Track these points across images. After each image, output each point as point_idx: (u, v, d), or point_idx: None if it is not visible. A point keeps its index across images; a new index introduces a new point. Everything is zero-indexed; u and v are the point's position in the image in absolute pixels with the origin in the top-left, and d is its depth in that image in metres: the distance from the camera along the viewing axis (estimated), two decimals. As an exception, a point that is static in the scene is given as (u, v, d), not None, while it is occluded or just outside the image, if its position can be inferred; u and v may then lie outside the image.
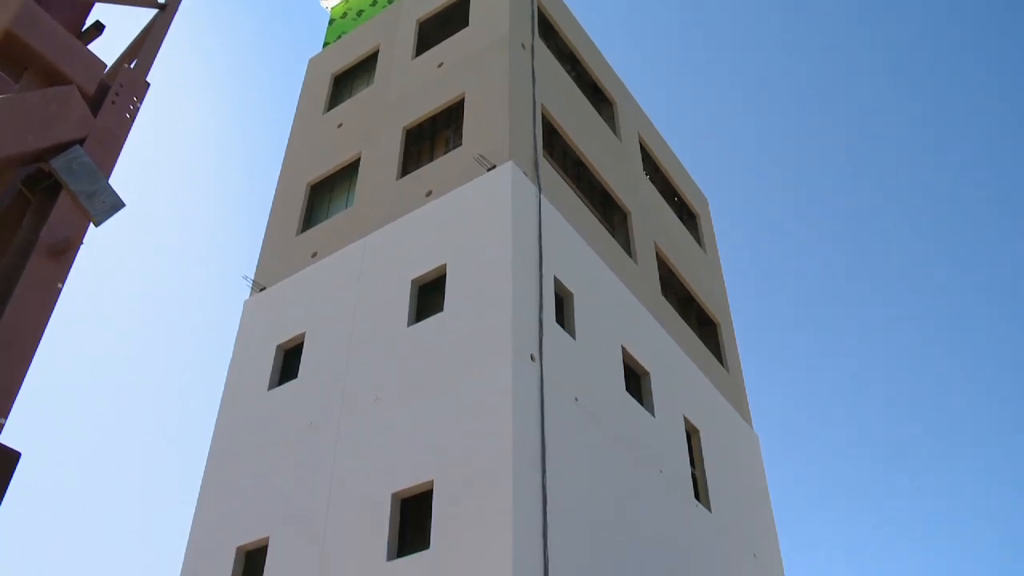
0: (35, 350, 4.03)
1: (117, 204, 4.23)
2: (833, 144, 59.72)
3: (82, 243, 4.31)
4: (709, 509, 16.52)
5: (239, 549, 13.77)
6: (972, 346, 54.66)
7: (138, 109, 4.70)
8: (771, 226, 59.84)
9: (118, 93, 4.57)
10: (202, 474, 15.39)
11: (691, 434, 17.49)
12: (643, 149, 22.56)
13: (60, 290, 4.26)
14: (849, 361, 55.08)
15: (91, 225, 4.32)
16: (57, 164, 4.03)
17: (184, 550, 14.55)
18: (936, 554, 50.35)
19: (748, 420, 20.74)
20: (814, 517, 50.57)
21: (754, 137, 61.77)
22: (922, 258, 56.86)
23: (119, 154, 4.49)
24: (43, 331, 4.09)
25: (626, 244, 18.72)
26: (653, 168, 23.16)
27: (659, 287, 19.08)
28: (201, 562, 14.10)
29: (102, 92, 4.50)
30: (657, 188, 22.46)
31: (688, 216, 24.30)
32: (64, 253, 4.18)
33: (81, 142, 4.20)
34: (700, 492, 16.81)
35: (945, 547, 50.48)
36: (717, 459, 17.87)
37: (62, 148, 4.10)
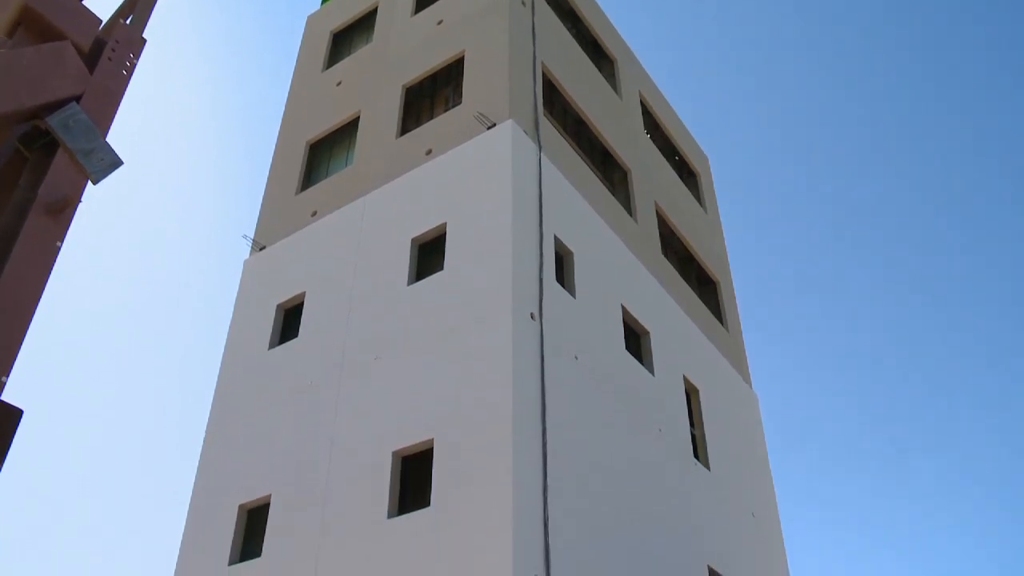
0: (35, 309, 4.02)
1: (115, 162, 4.20)
2: (835, 103, 59.41)
3: (80, 201, 4.29)
4: (708, 468, 16.62)
5: (241, 507, 13.88)
6: (975, 300, 54.73)
7: (134, 66, 4.65)
8: (772, 185, 59.67)
9: (114, 49, 4.52)
10: (204, 433, 15.48)
11: (690, 393, 17.55)
12: (644, 107, 22.43)
13: (59, 249, 4.24)
14: (849, 322, 55.17)
15: (89, 183, 4.29)
16: (53, 121, 3.99)
17: (187, 508, 14.68)
18: (935, 515, 50.75)
19: (747, 380, 20.81)
20: (812, 478, 50.91)
21: (755, 96, 61.43)
22: (924, 218, 56.76)
23: (116, 111, 4.45)
24: (42, 290, 4.08)
25: (626, 203, 18.67)
26: (653, 126, 23.04)
27: (659, 246, 19.05)
28: (204, 520, 14.21)
29: (98, 48, 4.45)
30: (657, 146, 22.36)
31: (688, 175, 24.21)
32: (62, 211, 4.16)
33: (77, 99, 4.16)
34: (699, 451, 16.90)
35: (945, 507, 50.87)
36: (716, 418, 17.95)
37: (58, 105, 4.06)
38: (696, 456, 16.55)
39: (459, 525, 11.11)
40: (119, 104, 4.48)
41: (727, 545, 16.04)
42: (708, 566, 14.98)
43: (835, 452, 52.43)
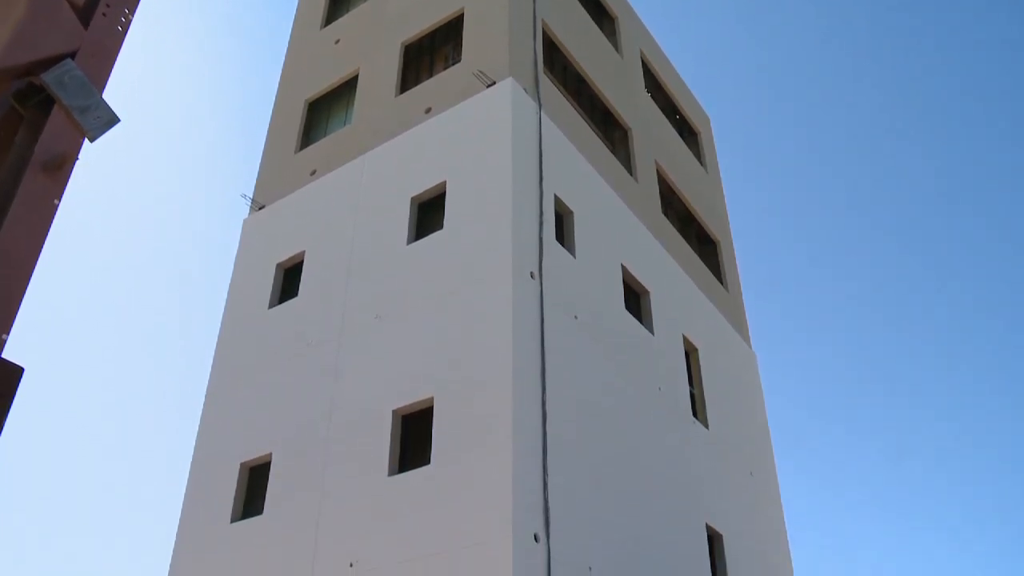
0: (34, 267, 4.02)
1: (112, 119, 4.17)
2: (838, 62, 58.99)
3: (77, 159, 4.27)
4: (707, 427, 16.70)
5: (243, 465, 13.97)
6: (979, 260, 54.74)
7: (130, 22, 4.60)
8: (773, 145, 59.44)
9: (109, 5, 4.47)
10: (204, 392, 15.54)
11: (690, 352, 17.60)
12: (645, 66, 22.27)
13: (57, 207, 4.23)
14: (849, 284, 55.20)
15: (86, 141, 4.27)
16: (48, 78, 3.96)
17: (188, 467, 14.77)
18: (934, 472, 51.09)
19: (747, 339, 20.85)
20: (811, 439, 51.19)
21: (757, 55, 60.99)
22: (926, 180, 56.59)
23: (112, 68, 4.42)
24: (41, 248, 4.08)
25: (627, 162, 18.60)
26: (654, 85, 22.89)
27: (659, 205, 19.01)
28: (206, 478, 14.31)
29: (92, 4, 4.40)
30: (658, 105, 22.23)
31: (689, 134, 24.10)
32: (59, 169, 4.14)
33: (72, 56, 4.13)
34: (698, 410, 16.97)
35: (945, 470, 51.20)
36: (715, 378, 18.02)
37: (52, 62, 4.03)
38: (695, 415, 16.62)
39: (459, 483, 11.19)
40: (115, 60, 4.44)
41: (725, 503, 16.17)
42: (706, 524, 15.10)
43: (833, 411, 52.68)
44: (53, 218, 4.20)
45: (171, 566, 13.80)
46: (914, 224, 56.32)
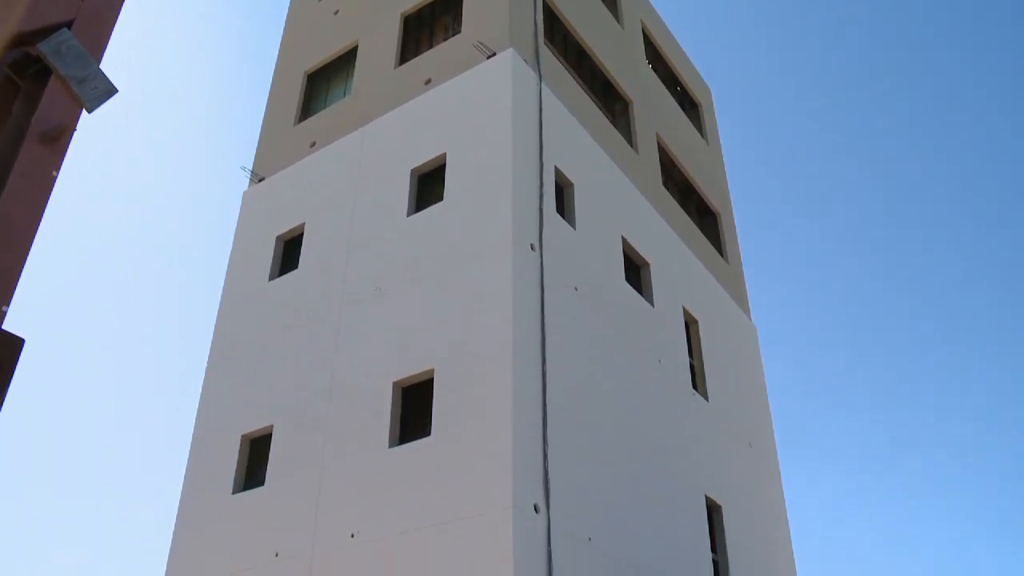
0: (33, 239, 4.02)
1: (110, 90, 4.15)
2: (840, 35, 58.65)
3: (75, 130, 4.25)
4: (706, 399, 16.75)
5: (244, 437, 14.03)
6: (982, 231, 54.68)
7: (127, -9, 4.57)
8: (774, 117, 59.21)
9: (106, -26, 4.44)
10: (206, 364, 15.57)
11: (690, 324, 17.61)
12: (646, 37, 22.15)
13: (55, 178, 4.22)
14: (850, 256, 55.16)
15: (84, 112, 4.25)
16: (45, 48, 3.93)
17: (190, 439, 14.83)
18: (934, 447, 51.28)
19: (747, 311, 20.87)
20: (810, 411, 51.33)
21: (758, 27, 60.62)
22: (928, 152, 56.42)
23: (109, 38, 4.39)
24: (40, 219, 4.07)
25: (627, 133, 18.54)
26: (656, 56, 22.77)
27: (660, 177, 18.97)
28: (207, 450, 14.37)
29: (89, -27, 4.37)
30: (659, 77, 22.13)
31: (690, 106, 24.00)
32: (57, 140, 4.12)
33: (69, 25, 4.10)
34: (698, 382, 17.01)
35: (945, 442, 51.36)
36: (715, 349, 18.04)
37: (49, 32, 4.00)
38: (695, 387, 16.67)
39: (459, 454, 11.24)
40: (112, 30, 4.41)
41: (724, 475, 16.24)
42: (705, 495, 15.18)
43: (833, 382, 52.79)
44: (52, 190, 4.19)
45: (173, 537, 13.88)
46: (917, 196, 56.21)
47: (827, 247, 55.98)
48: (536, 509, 10.76)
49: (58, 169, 4.19)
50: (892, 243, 55.37)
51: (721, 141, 24.63)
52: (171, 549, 13.78)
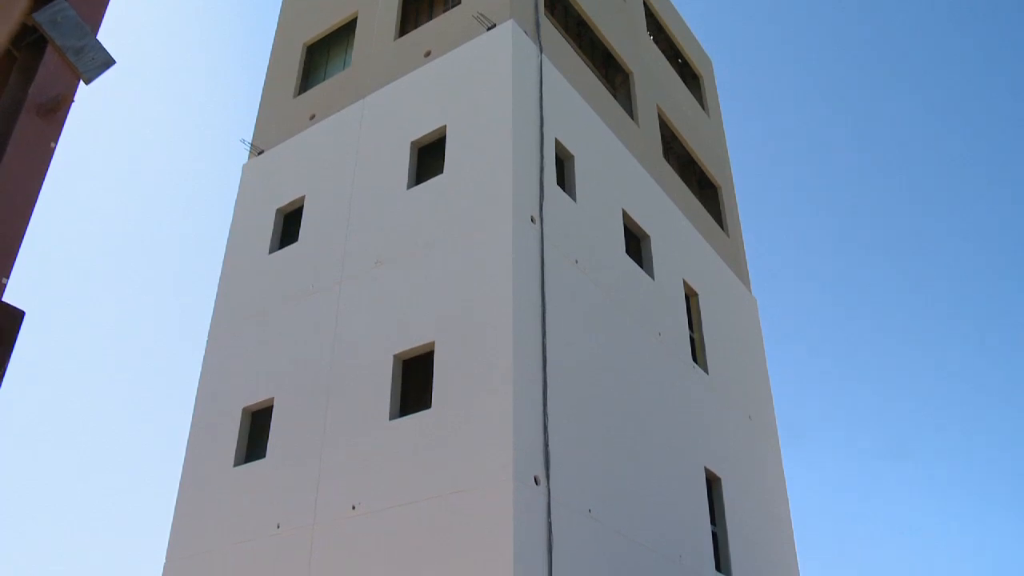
0: (32, 211, 4.01)
1: (107, 61, 4.12)
2: (843, 7, 58.27)
3: (73, 101, 4.23)
4: (706, 371, 16.78)
5: (245, 410, 14.07)
6: (983, 206, 54.59)
7: (124, -39, 4.54)
8: (775, 89, 58.95)
9: (102, -57, 4.40)
10: (206, 337, 15.59)
11: (690, 297, 17.62)
12: (647, 8, 22.01)
13: (53, 150, 4.20)
14: (851, 229, 55.09)
15: (81, 83, 4.23)
16: (41, 18, 3.90)
17: (191, 412, 14.88)
18: (933, 417, 51.42)
19: (747, 284, 20.86)
20: (809, 381, 51.45)
21: (761, -4, 60.21)
22: (932, 125, 56.22)
23: (105, 8, 4.36)
24: (38, 192, 4.06)
25: (628, 106, 18.47)
26: (657, 28, 22.64)
27: (661, 150, 18.91)
28: (209, 423, 14.41)
29: (85, -58, 4.33)
30: (660, 49, 22.01)
31: (691, 78, 23.88)
32: (55, 112, 4.11)
33: (65, -5, 4.07)
34: (698, 354, 17.04)
35: (944, 413, 51.51)
36: (715, 322, 18.06)
37: (45, 1, 3.98)
38: (695, 360, 16.69)
39: (460, 427, 11.27)
40: (108, 1, 4.38)
41: (724, 447, 16.30)
42: (705, 467, 15.24)
43: (832, 355, 52.89)
44: (50, 161, 4.18)
45: (175, 510, 13.95)
46: (919, 168, 56.06)
47: (828, 220, 55.91)
48: (536, 481, 10.81)
49: (56, 141, 4.17)
50: (893, 215, 55.30)
51: (722, 113, 24.54)
52: (173, 522, 13.86)
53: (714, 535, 15.05)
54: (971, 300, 53.15)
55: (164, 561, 13.56)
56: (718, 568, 14.73)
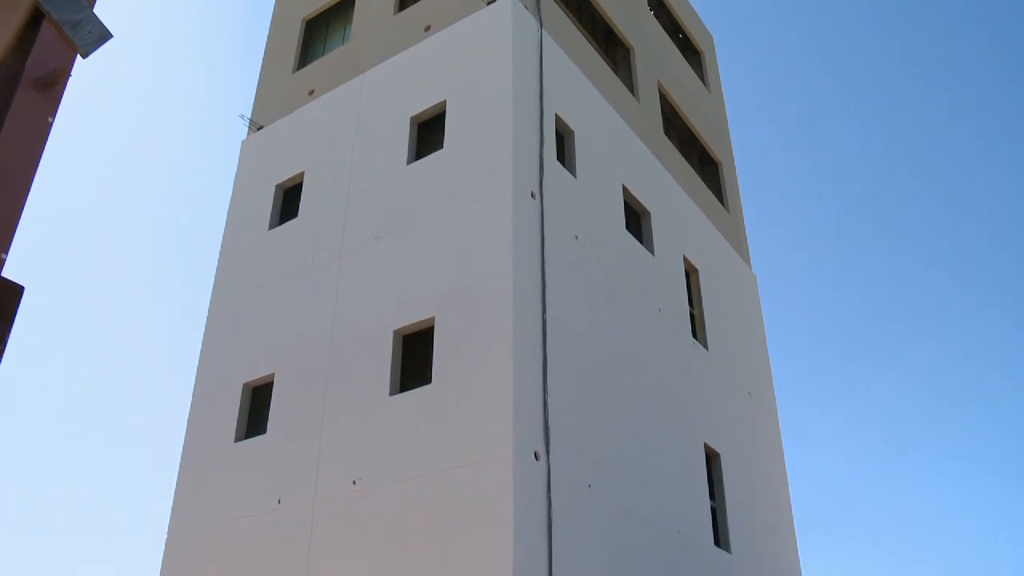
0: (30, 187, 3.99)
1: (104, 34, 4.09)
2: (844, -22, 57.87)
3: (70, 75, 4.21)
4: (706, 348, 16.79)
5: (245, 385, 14.09)
6: (983, 185, 54.48)
7: (120, -66, 4.50)
8: (777, 65, 58.69)
9: (98, -85, 4.36)
10: (207, 313, 15.60)
11: (690, 273, 17.61)
12: (648, -18, 21.88)
13: (51, 125, 4.18)
14: (852, 204, 55.00)
15: (78, 58, 4.20)
16: (38, -9, 3.88)
17: (192, 388, 14.90)
18: (931, 395, 51.54)
19: (747, 260, 20.85)
20: (809, 357, 51.51)
21: (762, -30, 59.81)
22: (935, 103, 56.00)
23: (102, -19, 4.33)
24: (36, 167, 4.04)
25: (628, 81, 18.39)
26: (657, 3, 22.51)
27: (661, 125, 18.85)
28: (209, 399, 14.44)
29: (81, -87, 4.29)
30: (661, 24, 21.90)
31: (692, 53, 23.77)
32: (52, 86, 4.08)
33: (61, -33, 4.04)
34: (698, 331, 17.05)
35: (945, 393, 51.61)
36: (715, 298, 18.06)
37: (41, -26, 3.94)
38: (694, 336, 16.70)
39: (460, 402, 11.29)
40: (105, -27, 4.35)
41: (723, 423, 16.34)
42: (704, 443, 15.28)
43: (832, 332, 52.93)
44: (48, 136, 4.16)
45: (177, 486, 14.00)
46: (921, 144, 55.92)
47: (829, 197, 55.81)
48: (536, 456, 10.84)
49: (54, 115, 4.15)
50: (894, 192, 55.19)
51: (723, 89, 24.44)
52: (175, 497, 13.91)
53: (713, 510, 15.12)
54: (974, 278, 53.15)
55: (166, 536, 13.63)
56: (717, 543, 14.80)
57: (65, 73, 4.09)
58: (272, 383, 13.77)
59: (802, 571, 17.48)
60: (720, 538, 14.97)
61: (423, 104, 14.53)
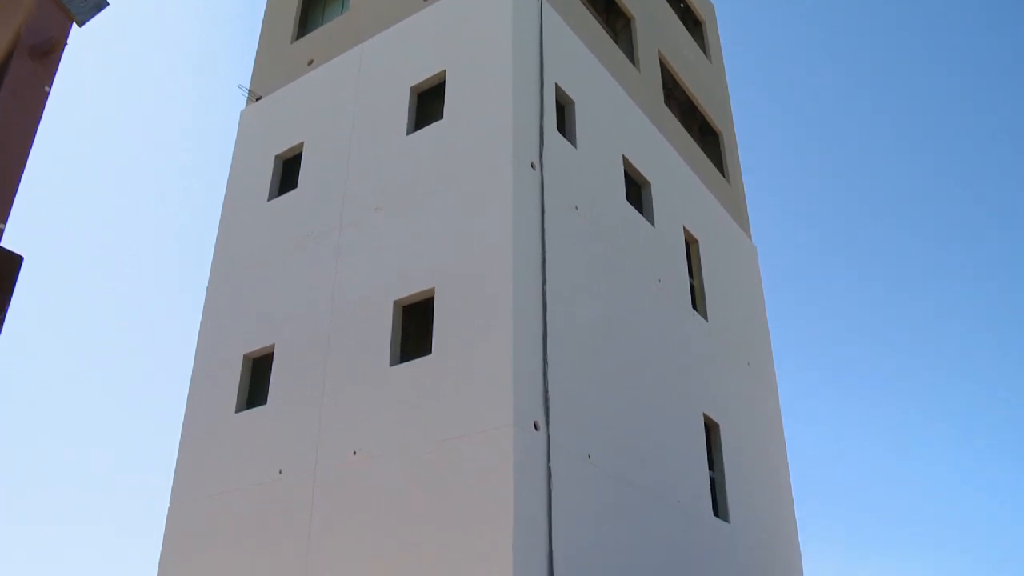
0: (27, 156, 3.98)
1: (100, 3, 4.07)
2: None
3: (66, 44, 4.18)
4: (706, 319, 16.80)
5: (246, 356, 14.11)
6: (984, 155, 54.34)
7: (116, -100, 4.45)
8: (778, 36, 58.33)
9: None
10: (206, 285, 15.60)
11: (690, 244, 17.59)
12: (648, -49, 21.70)
13: (48, 93, 4.16)
14: (852, 177, 54.86)
15: (74, 26, 4.18)
16: (33, -42, 3.85)
17: (193, 359, 14.93)
18: (930, 367, 51.65)
19: (747, 232, 20.83)
20: (809, 329, 51.57)
21: (764, -61, 59.32)
22: (938, 74, 55.72)
23: (98, -51, 4.29)
24: (34, 135, 4.03)
25: (629, 51, 18.29)
26: (658, -28, 22.33)
27: (662, 96, 18.76)
28: (210, 370, 14.47)
29: None
30: (662, -7, 21.73)
31: (694, 23, 23.62)
32: (49, 54, 4.06)
33: (57, -65, 4.00)
34: (697, 302, 17.05)
35: (944, 363, 51.69)
36: (715, 269, 18.05)
37: (37, -59, 3.91)
38: (694, 307, 16.71)
39: (460, 372, 11.31)
40: (101, -59, 4.31)
41: (723, 394, 16.38)
42: (704, 414, 15.32)
43: (832, 303, 52.96)
44: (45, 105, 4.14)
45: (178, 456, 14.06)
46: (923, 115, 55.70)
47: (830, 169, 55.66)
48: (536, 426, 10.87)
49: (51, 84, 4.13)
50: (897, 164, 55.04)
51: (724, 60, 24.31)
52: (176, 468, 13.97)
53: (712, 481, 15.19)
54: (977, 249, 53.09)
55: (168, 506, 13.70)
56: (716, 513, 14.88)
57: (61, 42, 4.07)
58: (272, 354, 13.80)
59: (800, 541, 17.59)
60: (719, 508, 15.05)
61: (423, 74, 14.46)
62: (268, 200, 15.56)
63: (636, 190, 16.19)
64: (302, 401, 12.80)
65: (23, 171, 3.96)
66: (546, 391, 11.26)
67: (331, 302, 13.34)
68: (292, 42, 17.71)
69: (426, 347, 11.99)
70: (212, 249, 15.98)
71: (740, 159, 22.29)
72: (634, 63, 18.05)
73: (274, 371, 13.50)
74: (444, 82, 14.15)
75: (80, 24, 4.01)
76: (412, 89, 14.49)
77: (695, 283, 17.26)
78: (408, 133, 14.03)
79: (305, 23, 18.19)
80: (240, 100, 17.59)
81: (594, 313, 13.14)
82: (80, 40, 4.23)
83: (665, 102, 19.03)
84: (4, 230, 3.80)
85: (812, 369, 50.29)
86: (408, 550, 10.69)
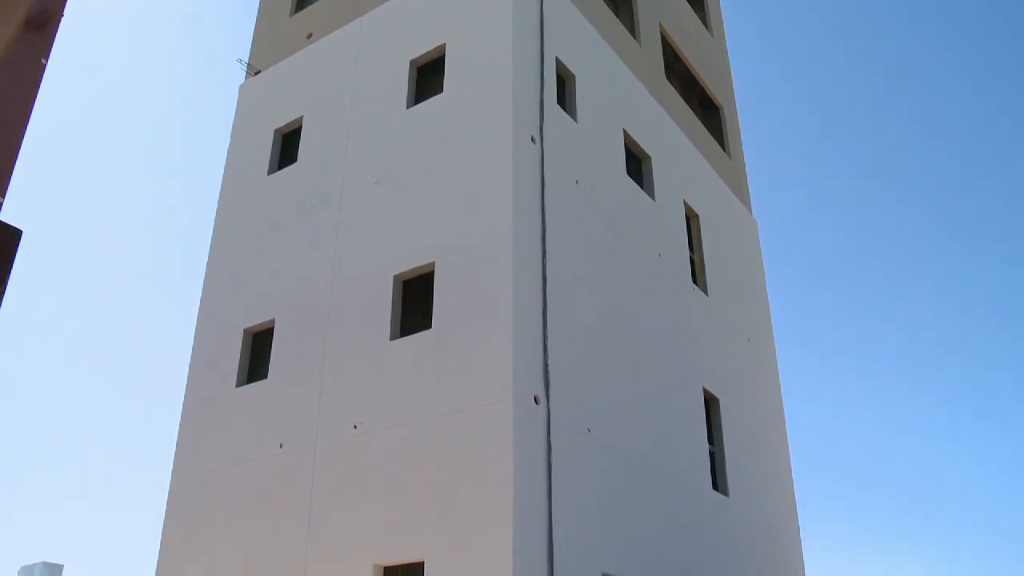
0: (25, 129, 3.96)
1: (97, -27, 4.03)
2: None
3: (63, 15, 4.16)
4: (706, 293, 16.81)
5: (246, 331, 14.13)
6: (988, 138, 54.14)
7: None
8: (780, 9, 58.02)
9: None
10: (206, 259, 15.59)
11: (691, 218, 17.57)
12: (650, -77, 21.54)
13: (45, 66, 4.14)
14: (853, 153, 54.70)
15: (71, -4, 4.14)
16: (28, -73, 3.81)
17: (193, 333, 14.94)
18: (929, 344, 51.68)
19: (748, 206, 20.79)
20: (808, 304, 51.57)
21: (767, -89, 58.88)
22: (941, 46, 55.41)
23: (95, -81, 4.25)
24: (31, 108, 4.01)
25: (630, 24, 18.19)
26: (660, -56, 22.18)
27: (663, 69, 18.67)
28: (210, 344, 14.49)
29: None
30: (663, -35, 21.59)
31: (695, -5, 23.47)
32: (45, 25, 4.03)
33: (53, -96, 3.97)
34: (698, 276, 17.05)
35: (943, 342, 51.73)
36: (716, 244, 18.03)
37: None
38: (694, 281, 16.71)
39: (460, 347, 11.33)
40: (97, -89, 4.27)
41: (723, 368, 16.41)
42: (704, 388, 15.35)
43: (832, 278, 52.95)
44: (42, 77, 4.11)
45: (179, 430, 14.10)
46: (924, 91, 55.46)
47: (832, 144, 55.50)
48: (536, 401, 10.89)
49: (47, 56, 4.10)
50: (899, 139, 54.87)
51: (726, 33, 24.17)
52: (177, 442, 14.02)
53: (712, 455, 15.24)
54: (977, 222, 53.05)
55: (169, 480, 13.76)
56: (715, 487, 14.94)
57: (58, 13, 4.04)
58: (272, 328, 13.81)
59: (799, 515, 17.67)
60: (718, 482, 15.11)
61: (423, 47, 14.38)
62: (268, 174, 15.53)
63: (636, 164, 16.15)
64: (302, 375, 12.83)
65: (21, 145, 3.95)
66: (546, 365, 11.28)
67: (331, 276, 13.34)
68: (291, 15, 17.61)
69: (426, 321, 11.99)
70: (212, 224, 15.96)
71: (741, 133, 22.23)
72: (635, 36, 17.95)
73: (274, 345, 13.52)
74: (444, 56, 14.08)
75: (77, -5, 3.96)
76: (412, 63, 14.43)
77: (695, 257, 17.25)
78: (408, 107, 13.98)
79: (304, -4, 18.08)
80: (239, 74, 17.53)
81: (594, 287, 13.13)
82: (77, 11, 4.20)
83: (666, 75, 18.94)
84: (3, 204, 3.79)
85: (812, 344, 50.35)
86: (408, 523, 10.74)
